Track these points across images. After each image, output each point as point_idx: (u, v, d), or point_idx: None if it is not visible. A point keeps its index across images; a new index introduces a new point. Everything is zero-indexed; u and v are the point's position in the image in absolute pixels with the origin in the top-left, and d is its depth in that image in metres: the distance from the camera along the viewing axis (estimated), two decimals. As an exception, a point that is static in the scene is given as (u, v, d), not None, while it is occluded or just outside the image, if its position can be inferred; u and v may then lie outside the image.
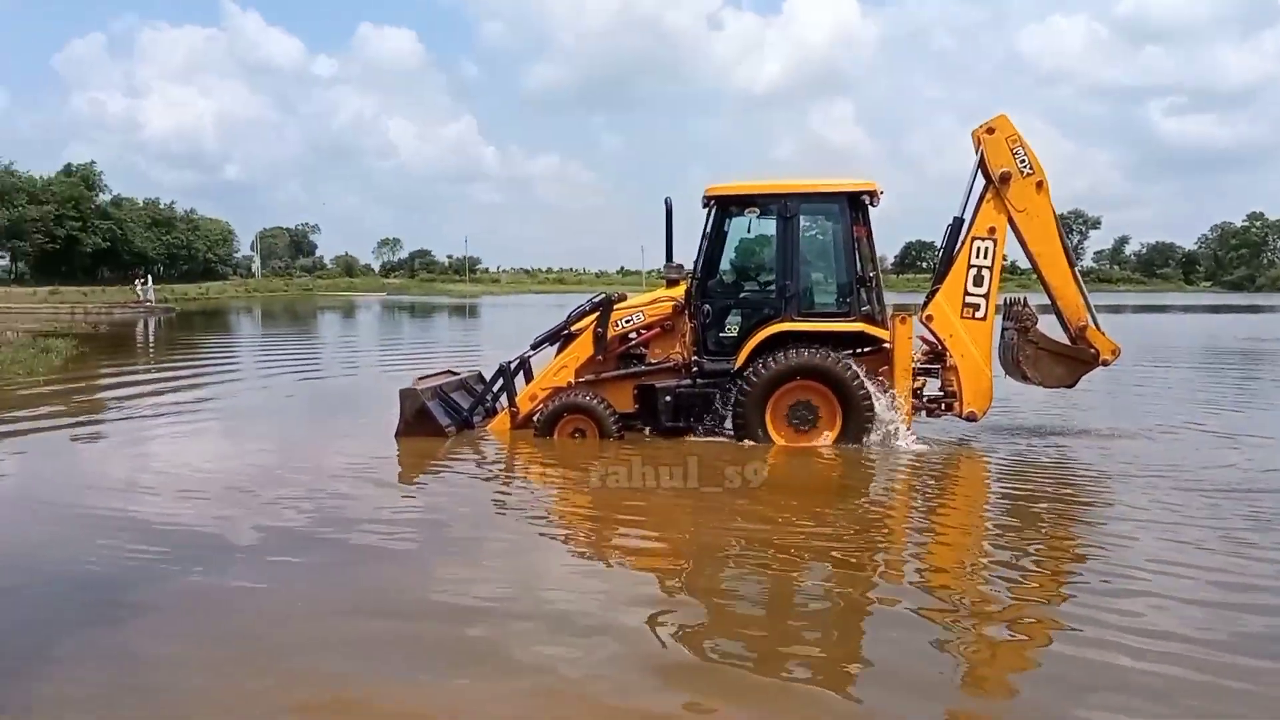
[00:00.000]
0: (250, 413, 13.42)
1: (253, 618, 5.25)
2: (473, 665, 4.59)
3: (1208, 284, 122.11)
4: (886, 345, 9.84)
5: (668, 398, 10.22)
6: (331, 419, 12.79)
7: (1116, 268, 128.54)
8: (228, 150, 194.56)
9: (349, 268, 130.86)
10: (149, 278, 57.60)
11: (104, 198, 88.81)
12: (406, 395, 10.36)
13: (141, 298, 51.52)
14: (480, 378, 11.70)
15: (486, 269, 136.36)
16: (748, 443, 9.69)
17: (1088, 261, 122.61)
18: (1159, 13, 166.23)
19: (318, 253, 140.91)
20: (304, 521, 7.18)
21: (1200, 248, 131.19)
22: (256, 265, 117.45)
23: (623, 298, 10.72)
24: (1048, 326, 10.38)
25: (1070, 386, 10.51)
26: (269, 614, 5.32)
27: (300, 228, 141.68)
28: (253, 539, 6.79)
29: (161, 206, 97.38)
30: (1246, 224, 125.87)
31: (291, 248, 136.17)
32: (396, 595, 5.63)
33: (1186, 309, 62.81)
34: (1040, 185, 10.01)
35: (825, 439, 9.68)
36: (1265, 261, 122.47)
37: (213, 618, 5.26)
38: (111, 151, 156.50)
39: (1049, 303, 10.35)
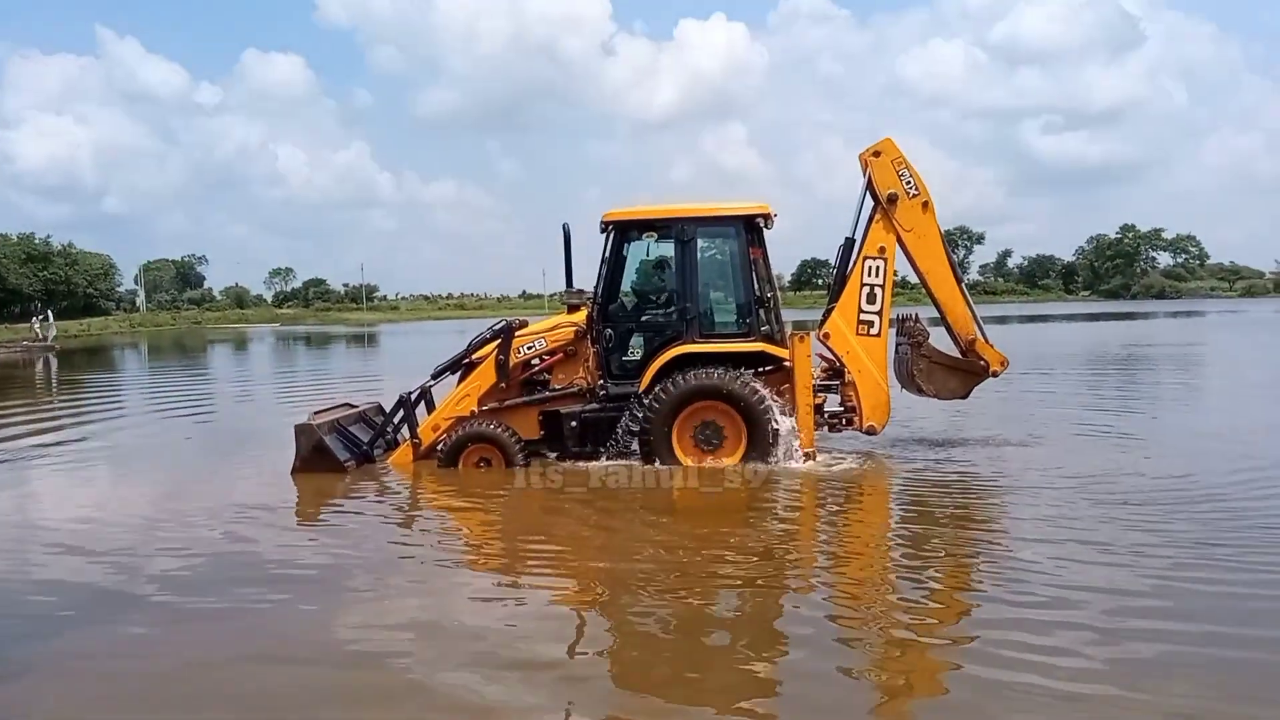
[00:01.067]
0: (138, 453, 12.84)
1: (141, 672, 5.01)
2: (372, 711, 4.45)
3: (1086, 293, 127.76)
4: (787, 364, 9.99)
5: (573, 423, 10.17)
6: (223, 458, 12.29)
7: (1001, 280, 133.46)
8: (106, 181, 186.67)
9: (240, 299, 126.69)
10: (49, 314, 54.89)
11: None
12: (302, 431, 10.06)
13: (39, 335, 49.01)
14: (380, 409, 11.45)
15: (385, 296, 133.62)
16: (655, 465, 9.70)
17: (973, 275, 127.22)
18: (1031, 36, 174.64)
19: (206, 284, 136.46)
20: (195, 567, 6.89)
21: (1078, 259, 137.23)
22: (141, 299, 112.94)
23: (524, 324, 10.65)
24: (939, 340, 10.70)
25: (964, 398, 10.84)
26: (159, 666, 5.07)
27: (187, 259, 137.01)
28: (141, 588, 6.47)
29: (37, 241, 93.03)
30: (1120, 235, 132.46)
31: (178, 280, 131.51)
32: (293, 641, 5.43)
33: (1068, 318, 65.66)
34: (926, 205, 10.34)
35: (731, 459, 9.76)
36: (1139, 270, 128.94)
37: (97, 674, 5.01)
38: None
39: (939, 317, 10.68)
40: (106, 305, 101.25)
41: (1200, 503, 8.06)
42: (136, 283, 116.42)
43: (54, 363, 37.69)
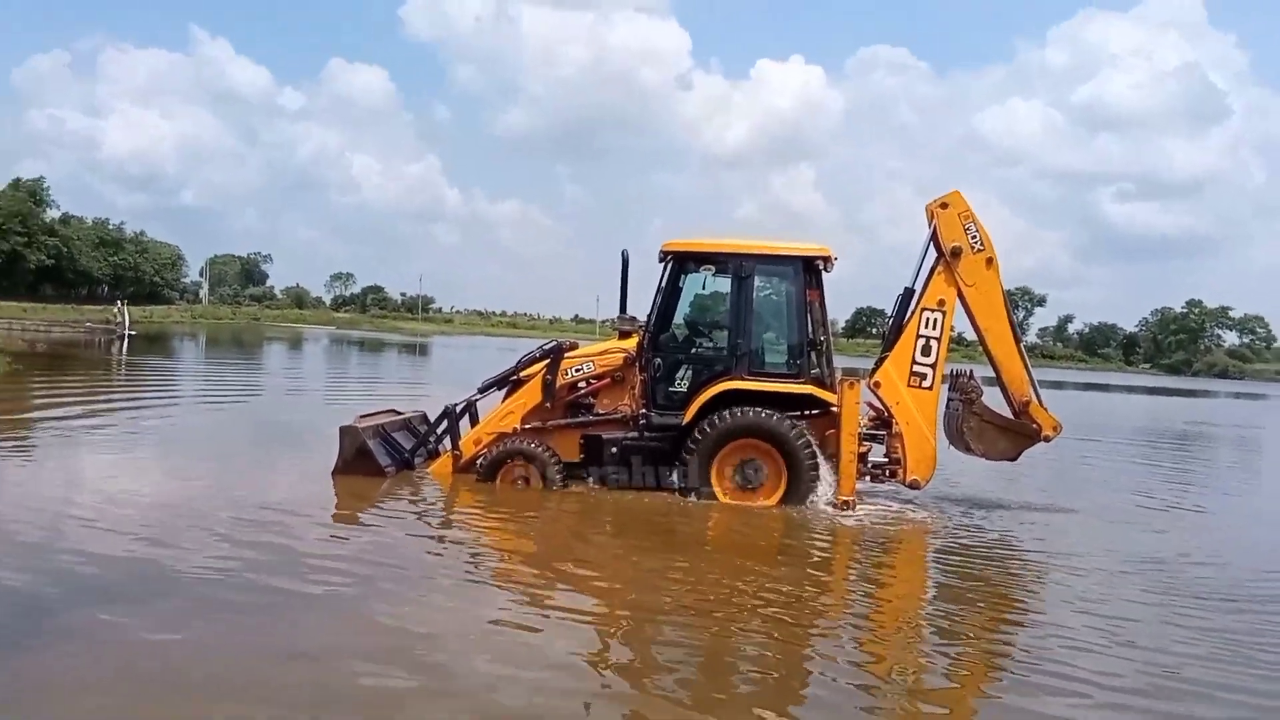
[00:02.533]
0: (186, 442, 13.05)
1: (162, 654, 5.05)
2: (380, 713, 4.44)
3: (1147, 365, 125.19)
4: (834, 409, 9.87)
5: (614, 449, 10.13)
6: (268, 453, 12.48)
7: (1060, 345, 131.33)
8: (185, 175, 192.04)
9: (299, 299, 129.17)
10: (124, 303, 56.41)
11: (53, 214, 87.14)
12: (347, 432, 10.15)
13: (120, 319, 50.31)
14: (425, 418, 11.51)
15: (440, 308, 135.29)
16: (692, 498, 9.62)
17: (1032, 337, 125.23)
18: (1113, 102, 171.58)
19: (269, 282, 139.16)
20: (228, 556, 6.94)
21: (1140, 330, 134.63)
22: (204, 291, 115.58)
23: (574, 346, 10.67)
24: (992, 399, 10.50)
25: (1012, 460, 10.60)
26: (179, 651, 5.11)
27: (252, 256, 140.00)
28: (175, 573, 6.52)
29: (110, 227, 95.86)
30: (1185, 310, 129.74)
31: (242, 276, 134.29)
32: (311, 639, 5.44)
33: (1127, 388, 64.32)
34: (990, 261, 10.19)
35: (769, 499, 9.65)
36: (1202, 347, 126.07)
37: (120, 651, 5.07)
38: (66, 169, 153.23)
39: (994, 376, 10.50)
40: (170, 295, 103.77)
41: (1243, 600, 7.53)
42: (202, 275, 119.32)
43: (125, 346, 38.69)
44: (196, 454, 12.00)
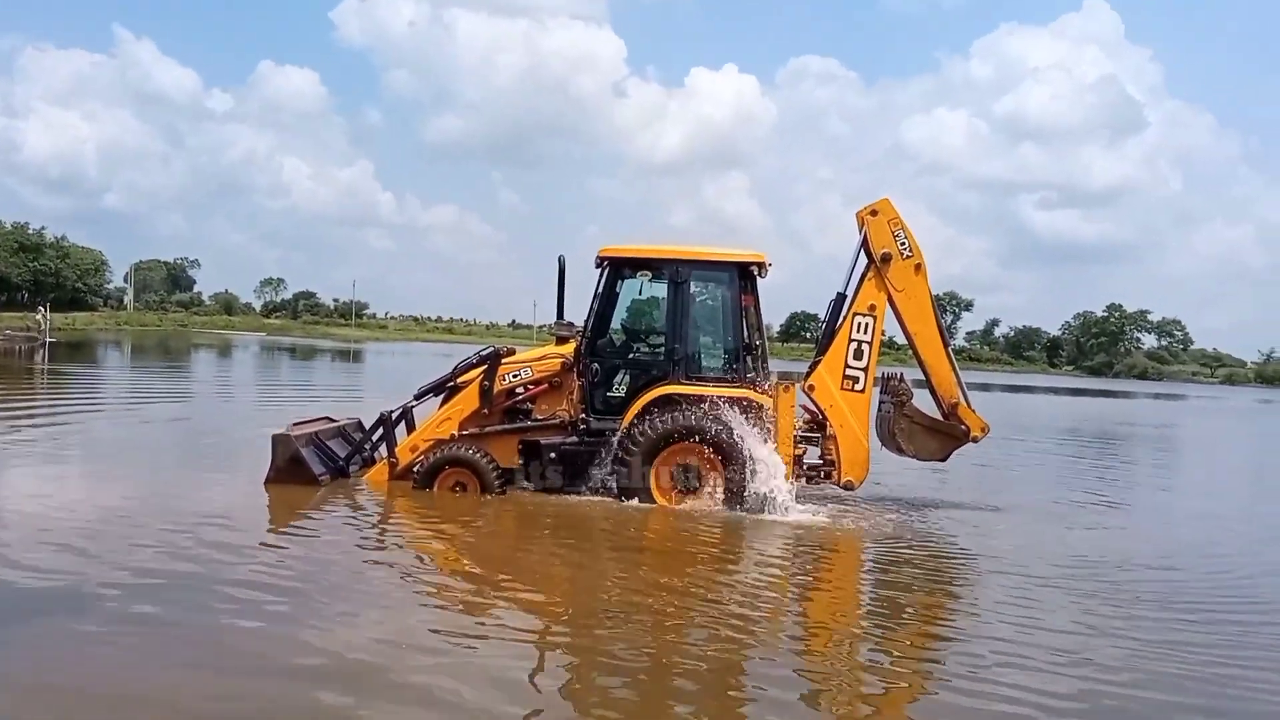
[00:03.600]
0: (111, 453, 12.68)
1: (77, 670, 4.95)
2: None
3: (1070, 368, 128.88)
4: (769, 413, 9.99)
5: (553, 454, 10.13)
6: (197, 463, 12.17)
7: (986, 348, 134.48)
8: (109, 178, 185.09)
9: (228, 305, 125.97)
10: (46, 309, 54.52)
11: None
12: (279, 441, 9.98)
13: (41, 326, 48.59)
14: (359, 425, 11.38)
15: (374, 314, 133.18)
16: (630, 503, 9.67)
17: (960, 341, 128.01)
18: (1035, 113, 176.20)
19: (196, 288, 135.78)
20: (152, 571, 6.78)
21: (1064, 334, 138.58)
22: (129, 297, 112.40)
23: (511, 352, 10.65)
24: (922, 402, 10.75)
25: (942, 460, 10.87)
26: (95, 667, 5.02)
27: (179, 261, 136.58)
28: (98, 588, 6.35)
29: (31, 231, 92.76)
30: (1106, 314, 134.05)
31: (168, 281, 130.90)
32: (235, 653, 5.33)
33: (1051, 389, 66.07)
34: (919, 267, 10.44)
35: (707, 502, 9.74)
36: (1122, 350, 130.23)
37: (34, 668, 4.95)
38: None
39: (924, 379, 10.75)
40: (94, 301, 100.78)
41: (1167, 594, 7.86)
42: (126, 280, 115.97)
43: (46, 354, 37.43)
44: (122, 465, 11.67)
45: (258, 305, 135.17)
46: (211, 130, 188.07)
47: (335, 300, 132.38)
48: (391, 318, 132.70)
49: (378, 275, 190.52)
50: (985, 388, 50.97)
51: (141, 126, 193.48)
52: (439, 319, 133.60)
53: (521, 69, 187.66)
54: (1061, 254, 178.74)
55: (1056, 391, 64.14)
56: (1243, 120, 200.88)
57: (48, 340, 44.64)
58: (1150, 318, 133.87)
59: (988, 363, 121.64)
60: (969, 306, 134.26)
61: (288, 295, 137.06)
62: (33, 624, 5.54)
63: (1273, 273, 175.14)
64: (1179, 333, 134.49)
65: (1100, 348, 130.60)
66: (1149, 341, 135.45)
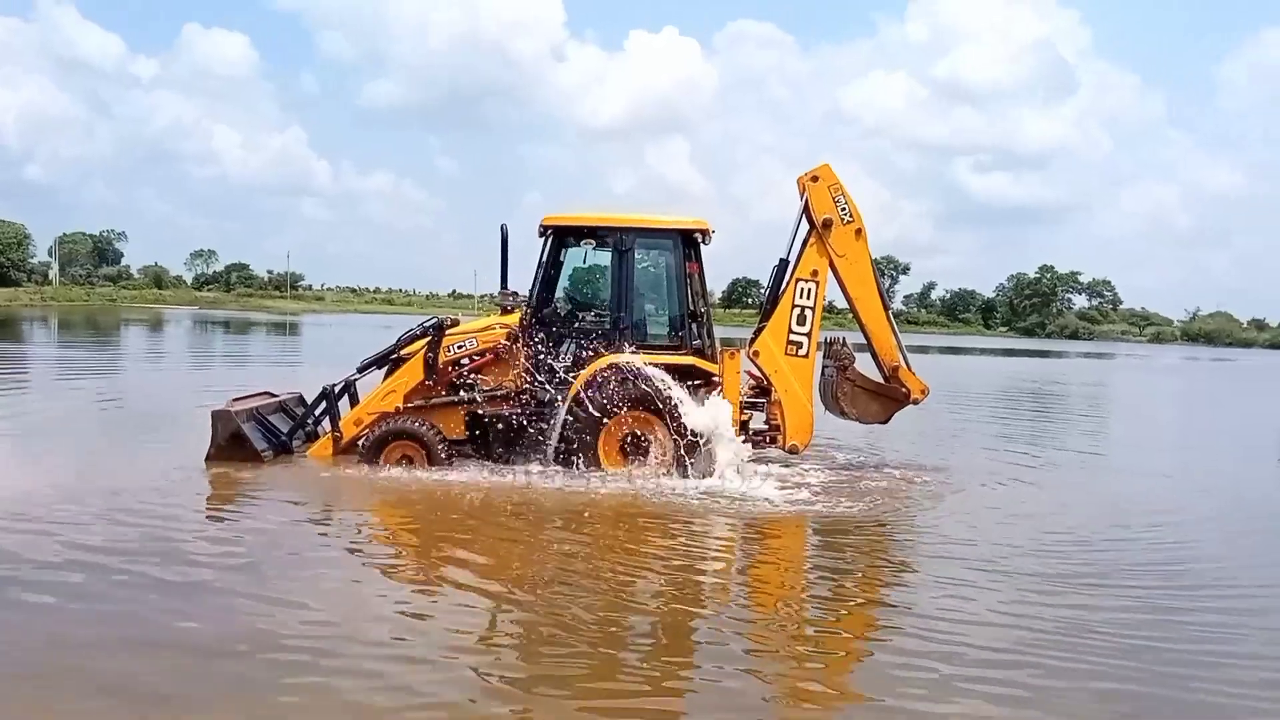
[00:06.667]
0: (44, 431, 12.34)
1: (27, 646, 4.93)
2: (232, 703, 4.39)
3: (1004, 329, 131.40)
4: (716, 379, 10.08)
5: (500, 425, 10.11)
6: (134, 440, 11.87)
7: (924, 311, 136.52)
8: (29, 148, 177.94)
9: (158, 279, 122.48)
10: None
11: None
12: (219, 417, 9.81)
13: None
14: (301, 400, 11.22)
15: (310, 286, 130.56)
16: (579, 471, 9.70)
17: (898, 304, 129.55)
18: (970, 76, 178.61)
19: (124, 261, 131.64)
20: (88, 549, 6.67)
21: (998, 295, 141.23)
22: (54, 272, 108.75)
23: (455, 323, 10.55)
24: (864, 365, 10.91)
25: (884, 423, 11.08)
26: (24, 639, 5.00)
27: (105, 234, 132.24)
28: (38, 566, 6.24)
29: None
30: (1038, 275, 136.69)
31: (95, 255, 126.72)
32: (168, 628, 5.27)
33: (985, 351, 67.49)
34: (859, 232, 10.55)
35: (655, 469, 9.80)
36: (1055, 310, 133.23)
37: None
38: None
39: (865, 343, 10.90)
40: (17, 276, 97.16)
41: (1099, 548, 8.21)
42: (50, 255, 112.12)
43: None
44: (57, 443, 11.40)
45: (189, 278, 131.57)
46: (137, 98, 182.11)
47: (269, 272, 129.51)
48: (328, 289, 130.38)
49: (313, 245, 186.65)
50: (923, 350, 51.83)
51: (63, 94, 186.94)
52: (377, 290, 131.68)
53: (458, 31, 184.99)
54: (996, 216, 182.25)
55: (992, 353, 65.50)
56: (1167, 81, 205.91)
57: None
58: (1081, 278, 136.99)
59: (925, 325, 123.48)
60: (906, 270, 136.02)
61: (220, 267, 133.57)
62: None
63: (1198, 233, 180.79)
64: (1109, 293, 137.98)
65: (1033, 309, 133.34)
66: (1080, 302, 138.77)
